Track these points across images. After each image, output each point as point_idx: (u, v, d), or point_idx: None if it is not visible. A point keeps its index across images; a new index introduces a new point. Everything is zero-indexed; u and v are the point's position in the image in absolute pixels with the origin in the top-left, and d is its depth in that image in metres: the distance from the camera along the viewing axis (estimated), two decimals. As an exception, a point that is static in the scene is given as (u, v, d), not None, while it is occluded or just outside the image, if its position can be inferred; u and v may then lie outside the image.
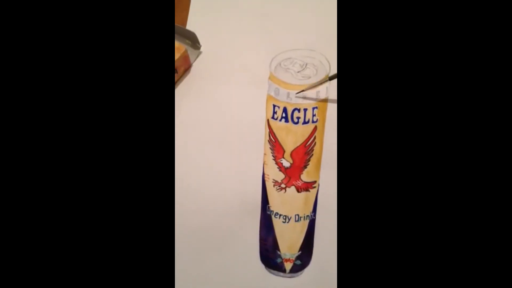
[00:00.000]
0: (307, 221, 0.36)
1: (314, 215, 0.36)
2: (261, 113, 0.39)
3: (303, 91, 0.38)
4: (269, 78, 0.40)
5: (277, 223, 0.36)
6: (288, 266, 0.36)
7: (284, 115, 0.38)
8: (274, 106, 0.39)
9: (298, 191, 0.36)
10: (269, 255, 0.35)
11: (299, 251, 0.36)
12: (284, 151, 0.37)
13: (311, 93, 0.39)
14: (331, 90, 0.40)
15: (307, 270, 0.35)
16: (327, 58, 0.41)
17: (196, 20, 0.45)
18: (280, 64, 0.41)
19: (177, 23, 0.44)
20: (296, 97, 0.38)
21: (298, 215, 0.36)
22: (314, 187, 0.36)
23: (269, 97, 0.39)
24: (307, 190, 0.36)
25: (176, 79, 0.42)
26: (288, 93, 0.39)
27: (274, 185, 0.36)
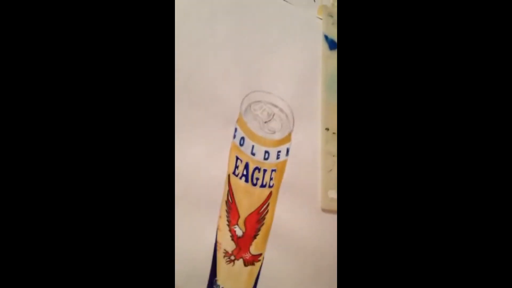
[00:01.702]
0: (247, 298, 0.36)
1: (253, 291, 0.36)
2: (224, 165, 0.36)
3: None
4: (238, 121, 0.37)
5: (221, 299, 0.34)
6: None
7: (245, 172, 0.36)
8: (237, 158, 0.36)
9: (245, 265, 0.36)
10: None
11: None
12: (239, 216, 0.36)
13: (272, 151, 0.38)
14: (292, 153, 0.39)
15: None
16: (293, 112, 0.40)
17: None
18: (250, 106, 0.38)
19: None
20: None
21: (241, 291, 0.35)
22: (259, 260, 0.37)
23: (233, 146, 0.37)
24: (252, 263, 0.36)
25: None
26: (253, 146, 0.37)
27: (224, 256, 0.35)
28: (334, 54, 0.45)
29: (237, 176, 0.37)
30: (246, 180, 0.37)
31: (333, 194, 0.40)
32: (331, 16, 0.45)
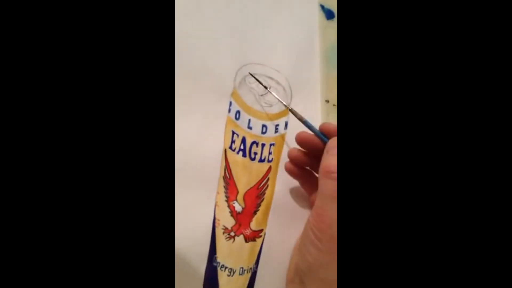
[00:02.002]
0: (249, 274, 0.35)
1: (256, 267, 0.35)
2: (219, 140, 0.35)
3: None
4: (232, 94, 0.36)
5: (222, 276, 0.34)
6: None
7: (242, 147, 0.35)
8: (233, 133, 0.35)
9: (245, 241, 0.35)
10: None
11: (239, 308, 0.35)
12: (237, 192, 0.35)
13: (270, 125, 0.37)
14: (290, 127, 0.38)
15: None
16: (291, 84, 0.39)
17: None
18: (245, 79, 0.37)
19: None
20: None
21: (242, 267, 0.34)
22: (261, 236, 0.36)
23: (229, 120, 0.36)
24: (253, 239, 0.35)
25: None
26: (249, 120, 0.36)
27: (223, 233, 0.34)
28: (331, 24, 0.44)
29: (234, 151, 0.36)
30: (244, 155, 0.36)
31: (336, 167, 0.38)
32: (328, -16, 0.43)
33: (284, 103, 0.36)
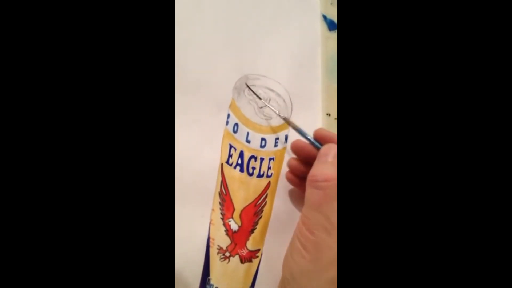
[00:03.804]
0: (244, 298, 0.33)
1: (252, 290, 0.33)
2: (216, 154, 0.32)
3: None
4: (230, 106, 0.34)
5: (215, 300, 0.31)
6: None
7: (240, 161, 0.33)
8: (230, 146, 0.33)
9: (241, 262, 0.33)
10: None
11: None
12: (234, 209, 0.32)
13: (269, 138, 0.35)
14: (291, 140, 0.36)
15: None
16: (291, 97, 0.37)
17: None
18: (244, 91, 0.35)
19: None
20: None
21: (237, 291, 0.32)
22: (257, 256, 0.33)
23: (226, 133, 0.34)
24: (250, 260, 0.33)
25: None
26: (248, 133, 0.34)
27: (218, 253, 0.31)
28: (334, 35, 0.42)
29: (231, 165, 0.34)
30: (241, 170, 0.34)
31: (337, 183, 0.36)
32: (330, -5, 0.42)
33: (278, 112, 0.34)
